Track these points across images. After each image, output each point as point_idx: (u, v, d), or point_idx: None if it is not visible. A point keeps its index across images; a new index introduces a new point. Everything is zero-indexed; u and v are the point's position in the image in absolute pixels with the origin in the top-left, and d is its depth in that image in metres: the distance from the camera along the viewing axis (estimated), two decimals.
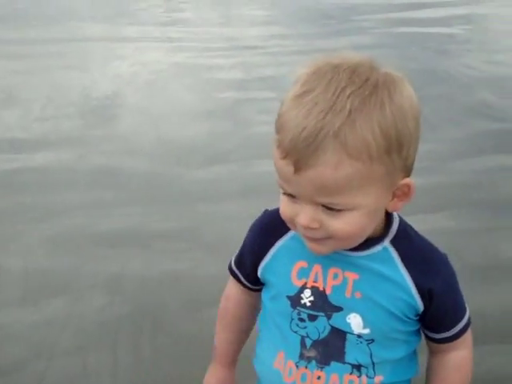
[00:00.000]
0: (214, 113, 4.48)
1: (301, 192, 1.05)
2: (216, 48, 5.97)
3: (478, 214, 3.12)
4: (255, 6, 7.66)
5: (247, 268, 1.30)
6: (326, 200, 1.04)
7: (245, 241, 1.30)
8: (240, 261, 1.32)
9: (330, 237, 1.08)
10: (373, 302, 1.15)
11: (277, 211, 1.16)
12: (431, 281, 1.14)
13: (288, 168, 1.02)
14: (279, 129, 1.03)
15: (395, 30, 6.20)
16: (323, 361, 1.18)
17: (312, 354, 1.18)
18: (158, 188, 3.41)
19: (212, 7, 7.74)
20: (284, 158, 1.02)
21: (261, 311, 1.30)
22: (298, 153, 1.00)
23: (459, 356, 1.23)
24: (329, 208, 1.05)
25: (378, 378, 1.18)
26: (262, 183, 3.38)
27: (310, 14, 7.00)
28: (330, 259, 1.16)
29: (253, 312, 1.37)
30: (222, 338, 1.39)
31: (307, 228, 1.07)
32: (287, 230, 1.19)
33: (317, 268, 1.18)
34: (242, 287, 1.35)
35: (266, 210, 1.29)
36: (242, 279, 1.33)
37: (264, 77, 5.18)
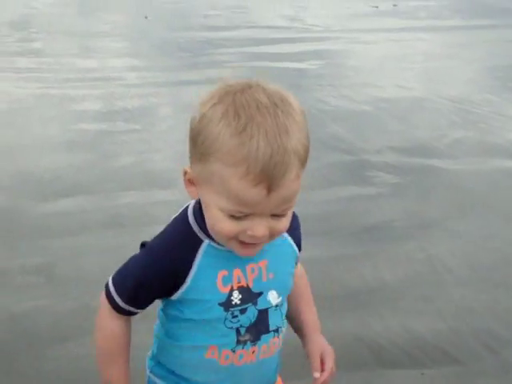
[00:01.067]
0: (75, 144, 4.43)
1: (264, 209, 1.17)
2: (76, 79, 5.90)
3: (327, 244, 3.26)
4: (114, 38, 7.63)
5: (146, 301, 1.34)
6: (283, 208, 1.20)
7: (140, 278, 1.31)
8: (134, 298, 1.34)
9: (270, 238, 1.24)
10: (281, 272, 1.36)
11: (168, 243, 1.30)
12: (298, 233, 1.41)
13: (260, 193, 1.13)
14: (240, 163, 1.11)
15: (250, 64, 6.35)
16: (255, 338, 1.35)
17: (246, 337, 1.34)
18: (16, 222, 3.33)
19: (69, 38, 7.63)
20: (256, 185, 1.12)
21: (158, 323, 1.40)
22: (271, 178, 1.12)
23: (300, 268, 1.50)
24: (278, 215, 1.21)
25: (284, 328, 1.41)
26: (123, 215, 3.37)
27: (170, 46, 7.06)
28: (244, 259, 1.30)
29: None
30: (118, 373, 1.39)
31: (261, 237, 1.21)
32: (194, 251, 1.29)
33: (237, 271, 1.31)
34: (126, 320, 1.37)
35: (146, 243, 1.34)
36: (135, 311, 1.35)
37: (123, 109, 5.17)
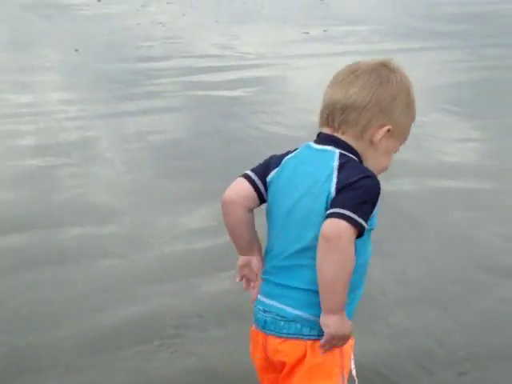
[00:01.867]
0: (13, 181, 4.37)
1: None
2: (10, 114, 5.85)
3: None
4: (46, 72, 7.55)
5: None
6: None
7: (375, 198, 1.63)
8: (369, 216, 1.65)
9: None
10: None
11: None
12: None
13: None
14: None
15: (185, 94, 6.36)
16: None
17: None
18: None
19: (0, 74, 7.53)
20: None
21: None
22: None
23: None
24: None
25: None
26: (64, 250, 3.33)
27: (103, 79, 7.02)
28: None
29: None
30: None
31: None
32: None
33: None
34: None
35: (360, 179, 1.61)
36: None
37: (60, 143, 5.12)
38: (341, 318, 1.61)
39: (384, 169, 1.72)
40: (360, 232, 1.58)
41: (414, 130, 5.03)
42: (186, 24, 9.35)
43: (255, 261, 1.77)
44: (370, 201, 1.60)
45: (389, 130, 1.66)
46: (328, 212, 1.56)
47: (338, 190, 1.57)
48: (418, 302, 3.02)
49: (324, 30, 8.69)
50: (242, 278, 1.80)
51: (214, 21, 9.42)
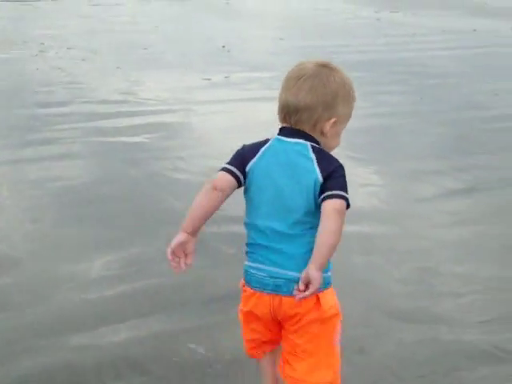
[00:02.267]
0: None
1: None
2: None
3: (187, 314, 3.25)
4: None
5: None
6: None
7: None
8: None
9: None
10: None
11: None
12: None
13: None
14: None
15: (84, 140, 6.27)
16: None
17: None
18: None
19: None
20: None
21: None
22: None
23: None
24: None
25: None
26: None
27: (7, 125, 6.84)
28: None
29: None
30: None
31: None
32: None
33: None
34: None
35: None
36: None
37: None
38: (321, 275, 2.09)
39: (336, 146, 2.28)
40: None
41: None
42: (87, 69, 9.27)
43: (192, 243, 2.28)
44: (345, 182, 2.16)
45: (335, 122, 2.18)
46: (330, 193, 2.09)
47: (325, 178, 2.11)
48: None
49: (226, 77, 8.79)
50: (173, 255, 2.24)
51: (116, 67, 9.38)
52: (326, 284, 2.20)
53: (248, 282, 2.28)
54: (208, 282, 3.72)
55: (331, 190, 2.10)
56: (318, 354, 2.26)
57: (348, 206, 2.12)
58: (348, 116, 2.25)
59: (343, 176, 2.15)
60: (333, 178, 2.12)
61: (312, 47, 10.92)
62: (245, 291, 2.30)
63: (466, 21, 13.42)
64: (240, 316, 2.38)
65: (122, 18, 14.47)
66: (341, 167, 2.15)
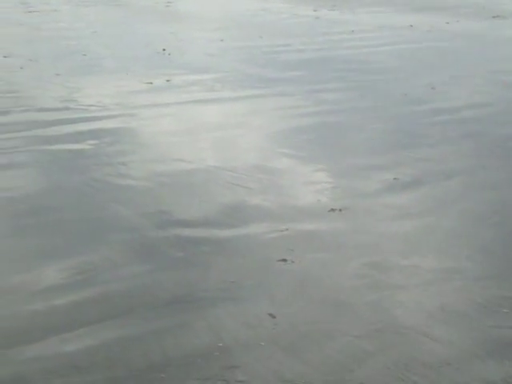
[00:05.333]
0: None
1: None
2: None
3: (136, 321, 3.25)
4: None
5: None
6: None
7: None
8: None
9: None
10: None
11: None
12: None
13: None
14: None
15: (26, 149, 6.18)
16: None
17: None
18: None
19: None
20: None
21: None
22: None
23: None
24: None
25: None
26: None
27: None
28: None
29: None
30: None
31: None
32: None
33: None
34: None
35: None
36: None
37: None
38: None
39: None
40: None
41: (259, 175, 5.16)
42: (25, 77, 9.13)
43: None
44: None
45: None
46: None
47: None
48: (269, 345, 3.07)
49: (167, 80, 8.76)
50: None
51: (55, 74, 9.26)
52: None
53: None
54: (155, 287, 3.70)
55: None
56: None
57: None
58: None
59: None
60: None
61: (252, 47, 10.96)
62: None
63: (402, 17, 13.63)
64: None
65: (59, 24, 14.29)
66: None
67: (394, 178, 5.28)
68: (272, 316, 3.38)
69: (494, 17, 13.19)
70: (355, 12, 14.86)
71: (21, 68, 9.72)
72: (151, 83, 8.65)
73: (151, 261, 3.99)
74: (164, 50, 10.80)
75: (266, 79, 8.75)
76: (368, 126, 6.71)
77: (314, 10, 14.90)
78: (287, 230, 4.41)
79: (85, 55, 10.65)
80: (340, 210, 4.71)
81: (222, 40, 11.77)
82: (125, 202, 4.84)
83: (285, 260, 3.98)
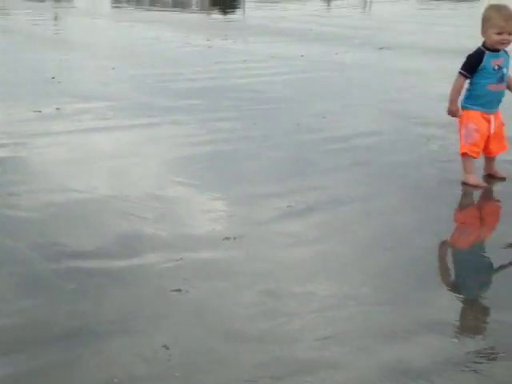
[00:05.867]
0: None
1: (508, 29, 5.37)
2: None
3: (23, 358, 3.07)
4: None
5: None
6: None
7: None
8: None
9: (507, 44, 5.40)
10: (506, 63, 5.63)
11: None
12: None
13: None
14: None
15: None
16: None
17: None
18: None
19: None
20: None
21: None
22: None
23: None
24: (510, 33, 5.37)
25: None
26: None
27: None
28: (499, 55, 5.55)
29: None
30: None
31: (507, 42, 5.46)
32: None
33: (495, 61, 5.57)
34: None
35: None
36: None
37: None
38: None
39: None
40: None
41: (154, 204, 5.09)
42: None
43: None
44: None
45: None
46: None
47: None
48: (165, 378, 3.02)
49: (57, 108, 8.57)
50: None
51: None
52: None
53: None
54: (45, 322, 3.57)
55: None
56: None
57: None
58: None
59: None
60: None
61: (144, 76, 10.89)
62: None
63: (294, 47, 13.88)
64: None
65: None
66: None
67: (288, 206, 5.33)
68: (166, 347, 3.33)
69: (380, 48, 13.63)
70: (248, 42, 15.05)
71: None
72: (40, 111, 8.45)
73: (41, 294, 3.86)
74: (53, 78, 10.57)
75: (159, 108, 8.70)
76: (262, 154, 6.77)
77: (207, 40, 14.99)
78: (181, 259, 4.36)
79: None
80: (234, 238, 4.71)
81: (113, 68, 11.65)
82: (14, 233, 4.68)
83: (179, 290, 3.93)
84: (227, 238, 4.70)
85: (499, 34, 5.38)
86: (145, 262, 4.33)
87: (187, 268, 4.24)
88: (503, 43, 5.49)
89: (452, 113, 5.85)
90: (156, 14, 21.69)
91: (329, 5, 25.64)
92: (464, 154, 5.90)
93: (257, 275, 4.19)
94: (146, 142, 7.16)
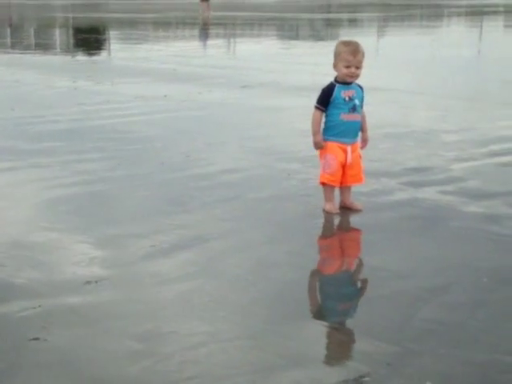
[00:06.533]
0: None
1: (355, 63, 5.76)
2: None
3: None
4: None
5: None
6: (359, 64, 5.80)
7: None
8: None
9: (356, 77, 5.88)
10: (359, 97, 6.03)
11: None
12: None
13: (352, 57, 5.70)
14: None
15: None
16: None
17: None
18: None
19: None
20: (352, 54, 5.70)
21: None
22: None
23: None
24: (358, 67, 5.79)
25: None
26: None
27: None
28: (348, 87, 6.00)
29: None
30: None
31: (355, 75, 5.86)
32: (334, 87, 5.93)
33: (347, 93, 5.97)
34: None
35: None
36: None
37: None
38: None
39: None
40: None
41: (13, 252, 4.87)
42: None
43: None
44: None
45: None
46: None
47: None
48: None
49: None
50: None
51: None
52: None
53: None
54: None
55: None
56: None
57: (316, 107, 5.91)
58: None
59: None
60: None
61: (3, 120, 10.58)
62: None
63: (157, 87, 13.88)
64: None
65: None
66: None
67: (151, 246, 5.29)
68: None
69: (242, 86, 13.87)
70: (112, 82, 14.92)
71: None
72: None
73: None
74: None
75: (19, 151, 8.46)
76: (127, 194, 6.71)
77: (71, 81, 14.77)
78: (40, 306, 4.22)
79: None
80: (96, 281, 4.61)
81: None
82: None
83: (37, 339, 3.81)
84: (88, 282, 4.60)
85: (347, 67, 5.85)
86: (1, 311, 4.17)
87: (46, 315, 4.11)
88: (351, 76, 5.86)
89: (318, 144, 6.06)
90: (16, 57, 21.17)
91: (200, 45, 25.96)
92: (323, 184, 6.12)
93: (120, 317, 4.12)
94: (5, 187, 6.95)
